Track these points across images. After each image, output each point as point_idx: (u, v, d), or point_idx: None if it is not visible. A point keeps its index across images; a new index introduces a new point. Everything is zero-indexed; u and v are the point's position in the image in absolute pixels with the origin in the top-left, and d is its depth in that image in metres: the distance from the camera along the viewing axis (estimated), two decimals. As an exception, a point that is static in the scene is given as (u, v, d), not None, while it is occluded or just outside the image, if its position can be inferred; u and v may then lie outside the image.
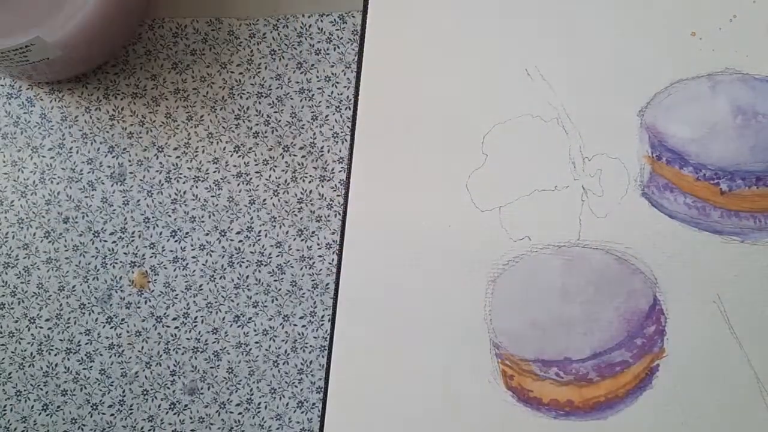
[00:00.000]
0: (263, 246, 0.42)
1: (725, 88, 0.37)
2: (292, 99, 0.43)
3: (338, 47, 0.44)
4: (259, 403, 0.41)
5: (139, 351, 0.42)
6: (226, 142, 0.43)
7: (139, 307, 0.42)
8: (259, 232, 0.42)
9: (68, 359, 0.42)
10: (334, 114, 0.43)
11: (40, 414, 0.42)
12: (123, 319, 0.42)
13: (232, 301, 0.42)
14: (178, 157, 0.43)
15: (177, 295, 0.42)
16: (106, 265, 0.42)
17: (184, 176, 0.43)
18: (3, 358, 0.42)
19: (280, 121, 0.43)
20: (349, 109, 0.43)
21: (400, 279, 0.38)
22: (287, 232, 0.42)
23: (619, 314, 0.37)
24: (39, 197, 0.43)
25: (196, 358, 0.42)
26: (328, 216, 0.42)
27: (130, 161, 0.43)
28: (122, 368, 0.42)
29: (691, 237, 0.37)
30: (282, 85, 0.44)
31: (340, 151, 0.43)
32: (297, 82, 0.43)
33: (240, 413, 0.41)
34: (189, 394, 0.41)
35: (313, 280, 0.42)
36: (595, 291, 0.37)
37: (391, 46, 0.41)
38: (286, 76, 0.44)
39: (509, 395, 0.37)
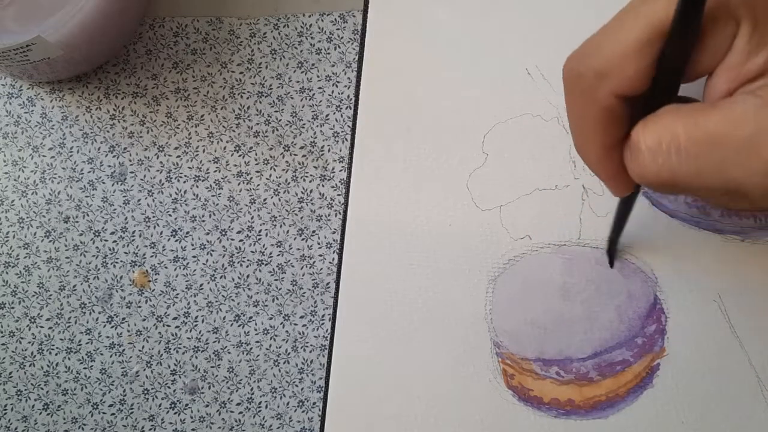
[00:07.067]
0: (264, 245, 0.42)
1: (725, 87, 0.37)
2: (292, 98, 0.43)
3: (339, 47, 0.44)
4: (260, 403, 0.41)
5: (139, 350, 0.42)
6: (227, 142, 0.43)
7: (139, 307, 0.42)
8: (260, 231, 0.42)
9: (69, 359, 0.42)
10: (334, 113, 0.43)
11: (40, 413, 0.42)
12: (124, 319, 0.42)
13: (233, 300, 0.42)
14: (178, 156, 0.43)
15: (177, 294, 0.42)
16: (107, 265, 0.42)
17: (185, 176, 0.43)
18: (3, 358, 0.42)
19: (280, 120, 0.43)
20: (350, 108, 0.43)
21: (401, 278, 0.38)
22: (288, 232, 0.42)
23: (619, 313, 0.37)
24: (39, 197, 0.43)
25: (196, 358, 0.42)
26: (329, 215, 0.42)
27: (130, 161, 0.43)
28: (123, 368, 0.42)
29: (691, 236, 0.37)
30: (282, 85, 0.44)
31: (340, 150, 0.43)
32: (297, 82, 0.43)
33: (240, 412, 0.41)
34: (189, 393, 0.41)
35: (313, 280, 0.42)
36: (595, 290, 0.37)
37: (391, 46, 0.41)
38: (287, 75, 0.44)
39: (510, 394, 0.37)
